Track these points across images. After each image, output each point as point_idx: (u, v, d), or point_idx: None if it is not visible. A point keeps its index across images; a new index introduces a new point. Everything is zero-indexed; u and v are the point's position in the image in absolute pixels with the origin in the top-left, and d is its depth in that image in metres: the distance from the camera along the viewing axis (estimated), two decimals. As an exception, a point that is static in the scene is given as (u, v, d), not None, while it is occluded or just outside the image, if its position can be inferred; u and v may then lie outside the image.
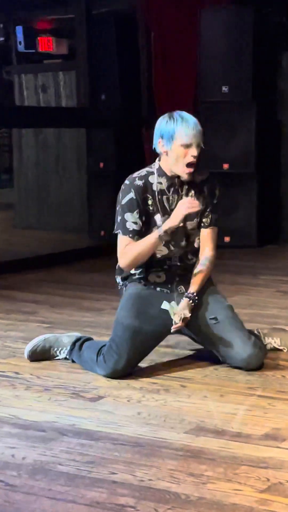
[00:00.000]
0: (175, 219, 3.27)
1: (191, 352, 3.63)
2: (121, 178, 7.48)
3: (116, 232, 3.41)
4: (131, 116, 7.15)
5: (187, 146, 3.30)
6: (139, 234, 3.34)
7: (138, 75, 7.30)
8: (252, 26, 6.67)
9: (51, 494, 2.28)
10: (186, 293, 3.37)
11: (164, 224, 3.29)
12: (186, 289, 3.39)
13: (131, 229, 3.34)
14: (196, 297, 3.36)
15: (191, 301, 3.35)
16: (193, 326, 3.39)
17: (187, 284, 3.40)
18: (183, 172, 3.32)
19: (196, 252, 3.44)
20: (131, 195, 3.35)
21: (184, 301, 3.34)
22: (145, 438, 2.66)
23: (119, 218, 3.39)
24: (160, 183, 3.37)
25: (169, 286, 3.41)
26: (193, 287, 3.38)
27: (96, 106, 7.20)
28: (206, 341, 3.40)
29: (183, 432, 2.71)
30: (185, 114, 3.40)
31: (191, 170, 3.31)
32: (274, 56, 7.07)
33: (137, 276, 3.44)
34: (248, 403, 3.01)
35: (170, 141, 3.30)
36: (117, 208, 3.42)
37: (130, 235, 3.34)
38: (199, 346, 3.54)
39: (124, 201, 3.37)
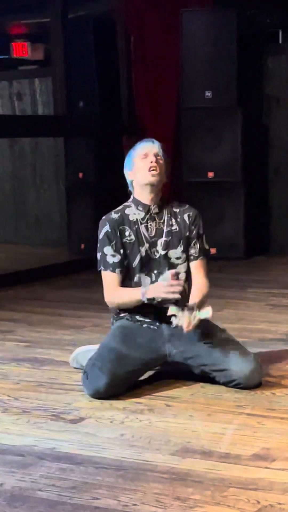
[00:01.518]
0: (156, 293, 3.39)
1: (176, 370, 3.63)
2: (101, 188, 7.52)
3: (99, 269, 3.56)
4: (111, 124, 7.17)
5: (145, 156, 3.54)
6: (120, 266, 3.49)
7: (117, 81, 7.32)
8: (236, 28, 6.72)
9: (31, 521, 2.27)
10: (187, 304, 3.40)
11: (149, 292, 3.40)
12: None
13: (111, 262, 3.50)
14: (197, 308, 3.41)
15: (193, 311, 3.37)
16: (187, 353, 3.41)
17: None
18: (147, 177, 3.49)
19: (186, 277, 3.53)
20: (106, 228, 3.55)
21: (187, 312, 3.33)
22: (129, 461, 2.66)
23: (99, 254, 3.56)
24: (136, 213, 3.54)
25: (157, 323, 3.48)
26: (193, 299, 3.46)
27: (74, 114, 7.22)
28: (202, 365, 3.40)
29: (169, 454, 2.72)
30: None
31: (154, 171, 3.49)
32: (259, 59, 7.13)
33: (125, 316, 3.53)
34: (236, 422, 3.02)
35: (132, 164, 3.56)
36: (98, 244, 3.58)
37: (111, 269, 3.50)
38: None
39: (100, 236, 3.56)
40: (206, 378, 3.44)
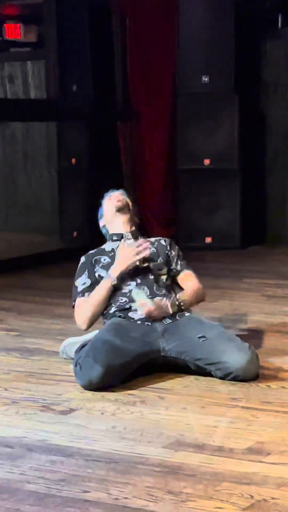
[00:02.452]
0: (123, 264, 3.58)
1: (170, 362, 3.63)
2: (94, 175, 7.50)
3: (73, 305, 3.71)
4: (105, 109, 7.16)
5: (109, 198, 3.83)
6: (90, 290, 3.64)
7: (112, 64, 7.30)
8: (234, 12, 6.71)
9: (19, 514, 2.27)
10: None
11: (113, 270, 3.58)
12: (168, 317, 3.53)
13: (81, 289, 3.67)
14: (181, 305, 3.54)
15: (171, 304, 3.50)
16: (181, 347, 3.42)
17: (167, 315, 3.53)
18: (113, 204, 3.78)
19: (169, 287, 3.66)
20: (81, 260, 3.77)
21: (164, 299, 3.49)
22: (120, 454, 2.67)
23: (73, 288, 3.72)
24: (112, 244, 3.77)
25: (150, 320, 3.51)
26: (180, 295, 3.58)
27: (67, 98, 7.19)
28: (197, 360, 3.41)
29: (161, 447, 2.72)
30: None
31: (119, 202, 3.77)
32: (258, 44, 7.11)
33: (117, 314, 3.56)
34: (230, 415, 3.02)
35: (102, 212, 3.84)
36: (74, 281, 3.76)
37: (80, 295, 3.66)
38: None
39: (77, 270, 3.76)
40: (202, 372, 3.44)
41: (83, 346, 3.45)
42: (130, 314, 3.54)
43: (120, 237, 3.76)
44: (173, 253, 3.77)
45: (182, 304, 3.57)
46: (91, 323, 3.65)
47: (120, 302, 3.59)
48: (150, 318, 3.49)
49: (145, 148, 7.31)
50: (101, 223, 3.87)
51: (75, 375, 3.37)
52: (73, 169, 7.25)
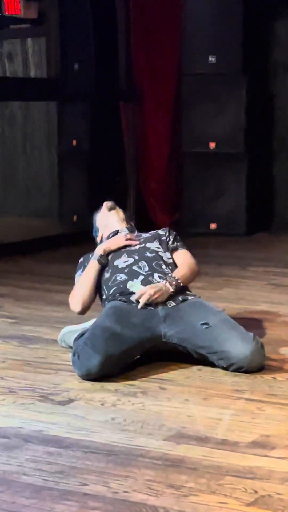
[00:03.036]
0: (108, 243, 3.76)
1: (172, 351, 3.63)
2: (96, 157, 7.49)
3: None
4: (108, 89, 7.13)
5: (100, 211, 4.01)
6: None
7: (115, 43, 7.27)
8: (242, -10, 6.68)
9: (15, 507, 2.28)
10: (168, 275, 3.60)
11: (97, 249, 3.77)
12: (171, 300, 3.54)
13: (77, 278, 3.80)
14: (179, 281, 3.55)
15: (169, 283, 3.53)
16: (183, 334, 3.42)
17: (170, 297, 3.54)
18: (105, 210, 3.96)
19: (171, 266, 3.71)
20: (80, 260, 3.89)
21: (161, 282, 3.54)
22: (120, 446, 2.67)
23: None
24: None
25: (152, 305, 3.51)
26: (176, 273, 3.61)
27: (68, 77, 7.17)
28: (199, 348, 3.41)
29: (162, 439, 2.72)
30: None
31: (109, 203, 3.97)
32: (267, 23, 7.07)
33: (118, 297, 3.58)
34: (234, 407, 3.02)
35: (96, 225, 4.00)
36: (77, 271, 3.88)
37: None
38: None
39: (78, 268, 3.88)
40: (205, 362, 3.44)
41: (82, 334, 3.45)
42: (132, 298, 3.54)
43: (116, 233, 3.86)
44: (170, 237, 3.85)
45: (179, 280, 3.56)
46: (83, 305, 3.68)
47: (119, 280, 3.61)
48: (153, 302, 3.48)
49: (148, 130, 7.29)
50: (98, 239, 3.96)
51: (73, 364, 3.37)
52: (73, 151, 7.23)
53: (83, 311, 3.70)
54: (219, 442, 2.70)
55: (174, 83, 7.20)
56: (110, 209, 3.94)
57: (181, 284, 3.57)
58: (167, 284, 3.54)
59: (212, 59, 6.80)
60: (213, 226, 6.96)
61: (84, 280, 3.72)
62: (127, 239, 3.78)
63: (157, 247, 3.75)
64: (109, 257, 3.74)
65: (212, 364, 3.42)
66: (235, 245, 6.55)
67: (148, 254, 3.70)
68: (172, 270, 3.65)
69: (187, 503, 2.28)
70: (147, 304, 3.50)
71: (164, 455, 2.59)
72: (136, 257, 3.68)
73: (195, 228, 6.93)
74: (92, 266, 3.73)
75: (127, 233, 3.82)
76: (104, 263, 3.72)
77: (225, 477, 2.44)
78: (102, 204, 4.01)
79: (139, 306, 3.47)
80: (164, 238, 3.82)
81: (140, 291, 3.49)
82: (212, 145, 6.86)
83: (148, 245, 3.76)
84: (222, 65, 6.79)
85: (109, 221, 3.93)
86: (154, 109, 7.27)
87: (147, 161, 7.35)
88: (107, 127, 7.12)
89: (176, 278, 3.58)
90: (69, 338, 3.68)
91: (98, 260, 3.73)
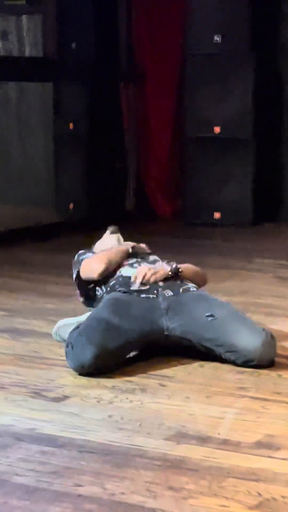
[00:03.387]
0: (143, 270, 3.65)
1: (173, 345, 3.63)
2: (94, 141, 7.48)
3: (78, 270, 3.82)
4: (107, 69, 7.12)
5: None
6: None
7: (116, 20, 7.26)
8: None
9: (6, 509, 2.28)
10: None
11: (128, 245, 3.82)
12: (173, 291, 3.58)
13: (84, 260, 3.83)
14: (179, 268, 3.62)
15: (167, 265, 3.62)
16: (187, 326, 3.43)
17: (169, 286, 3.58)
18: (107, 233, 4.08)
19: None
20: (79, 252, 3.94)
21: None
22: (117, 445, 2.67)
23: (80, 258, 3.87)
24: None
25: (155, 291, 3.54)
26: (181, 265, 3.67)
27: (65, 56, 7.15)
28: (205, 340, 3.42)
29: (162, 439, 2.73)
30: None
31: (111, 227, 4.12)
32: (276, 0, 7.06)
33: (117, 288, 3.61)
34: (238, 406, 3.03)
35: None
36: (75, 268, 3.88)
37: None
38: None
39: (75, 259, 3.91)
40: (210, 356, 3.44)
41: (78, 327, 3.45)
42: (132, 286, 3.57)
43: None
44: None
45: (179, 268, 3.63)
46: (106, 269, 3.71)
47: (118, 274, 3.68)
48: (148, 281, 3.53)
49: (150, 113, 7.29)
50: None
51: (66, 356, 3.38)
52: (70, 134, 7.22)
53: (103, 272, 3.71)
54: (221, 442, 2.71)
55: (178, 63, 7.19)
56: (114, 232, 4.03)
57: (180, 271, 3.61)
58: (164, 265, 3.58)
59: (217, 38, 6.79)
60: (217, 215, 6.96)
61: (115, 253, 3.76)
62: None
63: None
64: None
65: (216, 360, 3.43)
66: (241, 236, 6.55)
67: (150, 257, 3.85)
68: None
69: (187, 506, 2.29)
70: (145, 291, 3.50)
71: (164, 456, 2.60)
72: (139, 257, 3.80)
73: (198, 218, 6.93)
74: (121, 250, 3.79)
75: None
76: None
77: (227, 479, 2.44)
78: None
79: (135, 286, 3.51)
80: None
81: (136, 272, 3.55)
82: (217, 129, 6.85)
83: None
84: (228, 45, 6.78)
85: (110, 244, 3.96)
86: (157, 91, 7.26)
87: (149, 146, 7.35)
88: (106, 109, 7.11)
89: (176, 264, 3.63)
90: (64, 332, 3.68)
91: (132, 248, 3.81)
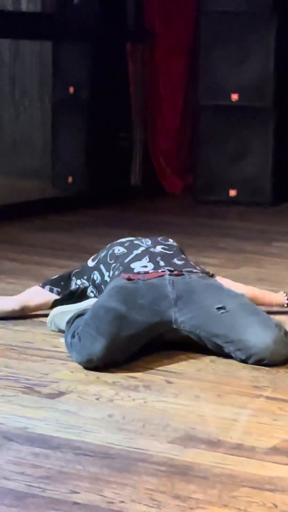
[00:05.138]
0: None
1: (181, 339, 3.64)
2: (96, 107, 7.47)
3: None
4: (112, 27, 7.10)
5: None
6: None
7: (122, -29, 7.23)
8: None
9: (-7, 516, 2.29)
10: None
11: None
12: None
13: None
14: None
15: None
16: (196, 320, 3.43)
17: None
18: None
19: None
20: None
21: None
22: (118, 448, 2.68)
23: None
24: None
25: (161, 270, 3.59)
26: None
27: (66, 12, 7.14)
28: (214, 336, 3.42)
29: (167, 442, 2.73)
30: None
31: None
32: None
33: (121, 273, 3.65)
34: (252, 407, 3.03)
35: None
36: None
37: None
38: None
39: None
40: (220, 353, 3.45)
41: (78, 315, 3.46)
42: (136, 270, 3.60)
43: None
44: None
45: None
46: None
47: (117, 253, 3.75)
48: None
49: (160, 77, 7.27)
50: None
51: (70, 349, 3.38)
52: (70, 99, 7.21)
53: None
54: (234, 447, 2.71)
55: (191, 22, 7.16)
56: None
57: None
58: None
59: (236, -6, 6.77)
60: (232, 193, 6.95)
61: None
62: None
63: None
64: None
65: (228, 355, 3.43)
66: (258, 216, 6.54)
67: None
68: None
69: (194, 517, 2.30)
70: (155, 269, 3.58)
71: (169, 461, 2.60)
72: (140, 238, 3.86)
73: (212, 195, 6.92)
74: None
75: None
76: None
77: (240, 488, 2.44)
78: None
79: None
80: None
81: None
82: (235, 96, 6.84)
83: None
84: (248, 2, 6.75)
85: None
86: (167, 53, 7.24)
87: (157, 114, 7.33)
88: (110, 72, 7.09)
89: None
90: (60, 320, 3.68)
91: None
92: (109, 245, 3.89)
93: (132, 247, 3.77)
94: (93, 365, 3.30)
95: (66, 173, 7.24)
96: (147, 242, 3.81)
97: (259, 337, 3.35)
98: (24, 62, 8.03)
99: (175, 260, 3.69)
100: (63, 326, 3.59)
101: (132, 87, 7.23)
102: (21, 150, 8.08)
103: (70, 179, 7.16)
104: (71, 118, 7.24)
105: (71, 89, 7.17)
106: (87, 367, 3.30)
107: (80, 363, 3.33)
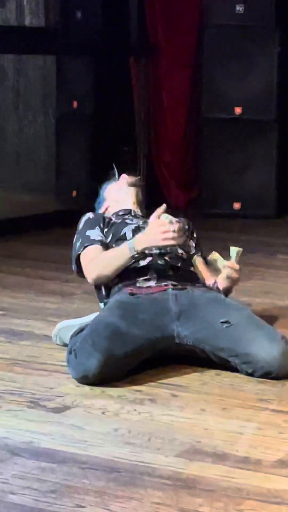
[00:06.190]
0: (152, 241, 3.57)
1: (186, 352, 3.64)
2: (100, 121, 7.47)
3: (79, 253, 3.73)
4: (116, 41, 7.12)
5: (117, 182, 4.03)
6: (106, 247, 3.71)
7: (126, -14, 7.26)
8: None
9: (-1, 531, 2.29)
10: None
11: (139, 243, 3.57)
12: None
13: (97, 239, 3.74)
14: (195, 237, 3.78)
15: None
16: (198, 333, 3.43)
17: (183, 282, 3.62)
18: (124, 183, 3.97)
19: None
20: (88, 216, 3.85)
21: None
22: (123, 462, 2.68)
23: (79, 240, 3.77)
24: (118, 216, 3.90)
25: (164, 284, 3.57)
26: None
27: (69, 26, 7.16)
28: (219, 350, 3.42)
29: (173, 455, 2.73)
30: None
31: (132, 178, 4.01)
32: None
33: (123, 288, 3.62)
34: (258, 420, 3.03)
35: (103, 195, 4.03)
36: (75, 239, 3.82)
37: (100, 244, 3.73)
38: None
39: (81, 225, 3.83)
40: (226, 366, 3.45)
41: (81, 330, 3.46)
42: (138, 283, 3.58)
43: (128, 211, 3.87)
44: (194, 235, 3.96)
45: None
46: (98, 281, 3.70)
47: (128, 269, 3.65)
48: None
49: (163, 91, 7.28)
50: (101, 210, 3.97)
51: (67, 364, 3.38)
52: (74, 114, 7.23)
53: (95, 282, 3.72)
54: (240, 460, 2.71)
55: (194, 35, 7.18)
56: (133, 185, 3.94)
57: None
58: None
59: (239, 8, 6.78)
60: (237, 205, 6.95)
61: (110, 264, 3.62)
62: (173, 237, 3.56)
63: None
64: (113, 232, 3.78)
65: (233, 368, 3.43)
66: (263, 228, 6.54)
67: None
68: (189, 257, 3.79)
69: (200, 531, 2.30)
70: (158, 285, 3.55)
71: (175, 474, 2.60)
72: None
73: (216, 208, 6.93)
74: (124, 257, 3.60)
75: (175, 226, 3.61)
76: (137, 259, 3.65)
77: (246, 501, 2.44)
78: (116, 174, 4.03)
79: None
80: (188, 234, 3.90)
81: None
82: (238, 110, 6.85)
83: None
84: (251, 16, 6.77)
85: (124, 198, 3.93)
86: (170, 66, 7.26)
87: (161, 127, 7.34)
88: (114, 86, 7.11)
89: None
90: (65, 335, 3.69)
91: (134, 256, 3.59)
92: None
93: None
94: (89, 381, 3.29)
95: (70, 187, 7.25)
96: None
97: (265, 351, 3.35)
98: (28, 77, 8.05)
99: (181, 274, 3.67)
100: (67, 340, 3.60)
101: (135, 101, 7.25)
102: (25, 164, 8.09)
103: (74, 193, 7.17)
104: (75, 132, 7.26)
105: (75, 103, 7.19)
106: (85, 384, 3.30)
107: (76, 379, 3.33)
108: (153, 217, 3.64)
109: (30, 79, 8.04)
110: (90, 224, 3.79)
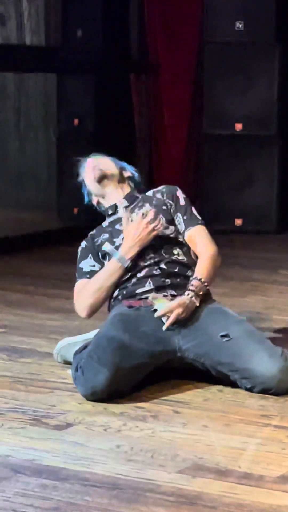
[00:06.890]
0: (136, 244, 3.58)
1: (188, 368, 3.64)
2: (101, 139, 7.49)
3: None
4: (116, 59, 7.14)
5: (86, 171, 3.93)
6: None
7: (126, 5, 7.28)
8: None
9: None
10: (191, 278, 3.55)
11: (125, 252, 3.59)
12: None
13: (88, 270, 3.72)
14: (206, 284, 3.53)
15: (195, 295, 3.49)
16: (200, 348, 3.43)
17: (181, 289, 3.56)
18: (92, 175, 3.85)
19: (187, 261, 3.68)
20: (82, 245, 3.82)
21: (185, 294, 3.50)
22: (126, 479, 2.67)
23: (77, 273, 3.78)
24: (108, 219, 3.83)
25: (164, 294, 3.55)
26: (199, 273, 3.55)
27: (70, 45, 7.19)
28: (219, 365, 3.42)
29: (176, 472, 2.73)
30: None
31: (96, 173, 3.84)
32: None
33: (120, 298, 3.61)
34: (260, 436, 3.03)
35: (88, 188, 3.92)
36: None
37: (88, 276, 3.70)
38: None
39: (78, 256, 3.81)
40: (226, 381, 3.45)
41: (84, 347, 3.46)
42: (137, 296, 3.56)
43: (115, 208, 3.80)
44: (173, 206, 3.78)
45: (206, 283, 3.54)
46: (92, 311, 3.68)
47: (126, 282, 3.62)
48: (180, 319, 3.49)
49: (164, 107, 7.30)
50: (94, 201, 3.92)
51: (74, 382, 3.38)
52: (75, 131, 7.24)
53: (90, 315, 3.70)
54: (242, 476, 2.70)
55: (195, 52, 7.20)
56: (99, 180, 3.82)
57: (207, 287, 3.56)
58: (193, 298, 3.48)
59: (239, 25, 6.81)
60: (238, 222, 6.96)
61: (101, 286, 3.62)
62: (152, 229, 3.58)
63: (164, 228, 3.69)
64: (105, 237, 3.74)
65: (235, 384, 3.43)
66: (265, 244, 6.55)
67: (161, 251, 3.68)
68: (185, 254, 3.66)
69: None
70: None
71: (178, 491, 2.60)
72: (147, 253, 3.65)
73: (217, 224, 6.92)
74: (113, 272, 3.60)
75: (150, 214, 3.60)
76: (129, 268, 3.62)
77: (249, 517, 2.44)
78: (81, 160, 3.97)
79: (164, 327, 3.45)
80: (165, 207, 3.75)
81: (165, 310, 3.45)
82: (239, 126, 6.87)
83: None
84: (251, 33, 6.79)
85: (103, 192, 3.85)
86: (171, 83, 7.28)
87: (162, 144, 7.36)
88: (115, 104, 7.13)
89: (202, 280, 3.53)
90: (67, 352, 3.69)
91: (125, 266, 3.59)
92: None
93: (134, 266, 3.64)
94: (98, 397, 3.29)
95: (72, 205, 7.25)
96: (152, 260, 3.63)
97: (265, 367, 3.34)
98: (28, 95, 8.07)
99: (179, 280, 3.61)
100: (69, 357, 3.60)
101: (136, 118, 7.27)
102: (26, 182, 8.11)
103: (75, 211, 7.18)
104: (76, 149, 7.25)
105: (76, 121, 7.20)
106: (94, 400, 3.30)
107: (85, 396, 3.32)
108: (125, 224, 3.64)
109: (31, 97, 8.06)
110: (83, 255, 3.77)
